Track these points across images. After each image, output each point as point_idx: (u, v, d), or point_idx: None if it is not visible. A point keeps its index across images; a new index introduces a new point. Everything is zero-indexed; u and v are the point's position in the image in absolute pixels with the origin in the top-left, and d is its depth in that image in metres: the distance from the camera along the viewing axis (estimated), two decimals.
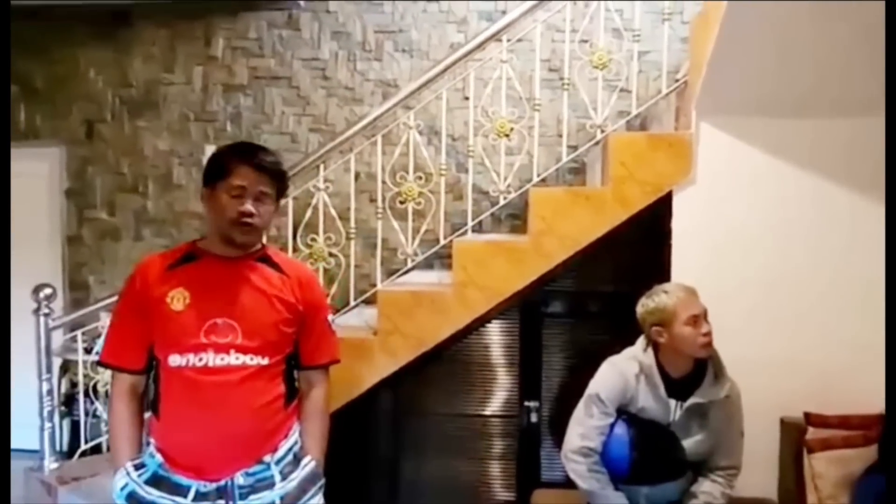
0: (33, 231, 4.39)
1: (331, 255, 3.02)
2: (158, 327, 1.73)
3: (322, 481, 1.87)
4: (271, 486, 1.75)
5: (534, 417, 3.23)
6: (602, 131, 3.01)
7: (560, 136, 3.28)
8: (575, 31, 3.02)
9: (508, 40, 2.99)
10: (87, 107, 4.33)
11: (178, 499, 1.70)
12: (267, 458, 1.75)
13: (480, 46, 2.97)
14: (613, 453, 2.23)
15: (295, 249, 3.06)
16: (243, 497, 1.71)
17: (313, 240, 3.04)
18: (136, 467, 1.74)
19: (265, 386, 1.75)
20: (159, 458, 1.74)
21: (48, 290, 2.98)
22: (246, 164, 1.74)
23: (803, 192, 2.72)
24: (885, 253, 2.14)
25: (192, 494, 1.70)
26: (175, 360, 1.71)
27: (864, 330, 2.55)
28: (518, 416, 3.25)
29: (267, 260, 1.83)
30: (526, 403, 3.24)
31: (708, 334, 2.18)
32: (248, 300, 1.75)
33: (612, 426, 2.25)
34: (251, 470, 1.73)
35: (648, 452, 2.22)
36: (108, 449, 3.13)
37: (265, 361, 1.74)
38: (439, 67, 2.98)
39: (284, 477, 1.77)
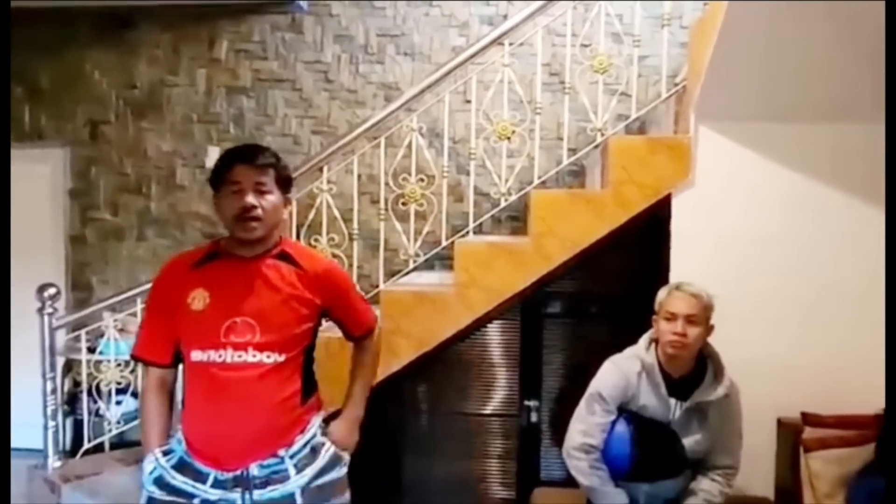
0: (37, 231, 4.41)
1: (333, 255, 3.04)
2: (181, 325, 1.81)
3: (346, 459, 1.92)
4: (286, 479, 1.79)
5: (534, 417, 3.26)
6: (602, 135, 3.04)
7: (560, 139, 3.31)
8: (575, 35, 3.06)
9: (510, 44, 3.02)
10: (92, 108, 4.35)
11: (198, 485, 1.76)
12: (281, 452, 1.79)
13: (482, 50, 3.01)
14: (614, 451, 2.26)
15: None
16: (259, 487, 1.76)
17: (316, 240, 3.07)
18: (165, 453, 1.82)
19: (281, 383, 1.80)
20: (185, 445, 1.81)
21: (52, 290, 2.99)
22: (238, 161, 1.80)
23: (801, 196, 2.76)
24: (885, 254, 2.16)
25: (210, 481, 1.76)
26: (197, 355, 1.78)
27: (860, 332, 2.59)
28: (518, 416, 3.27)
29: (285, 256, 1.87)
30: (526, 403, 3.26)
31: (678, 335, 2.19)
32: (265, 299, 1.79)
33: (613, 424, 2.28)
34: (265, 462, 1.77)
35: (649, 450, 2.25)
36: (111, 448, 3.19)
37: (281, 358, 1.79)
38: (442, 71, 3.02)
39: (300, 470, 1.81)
